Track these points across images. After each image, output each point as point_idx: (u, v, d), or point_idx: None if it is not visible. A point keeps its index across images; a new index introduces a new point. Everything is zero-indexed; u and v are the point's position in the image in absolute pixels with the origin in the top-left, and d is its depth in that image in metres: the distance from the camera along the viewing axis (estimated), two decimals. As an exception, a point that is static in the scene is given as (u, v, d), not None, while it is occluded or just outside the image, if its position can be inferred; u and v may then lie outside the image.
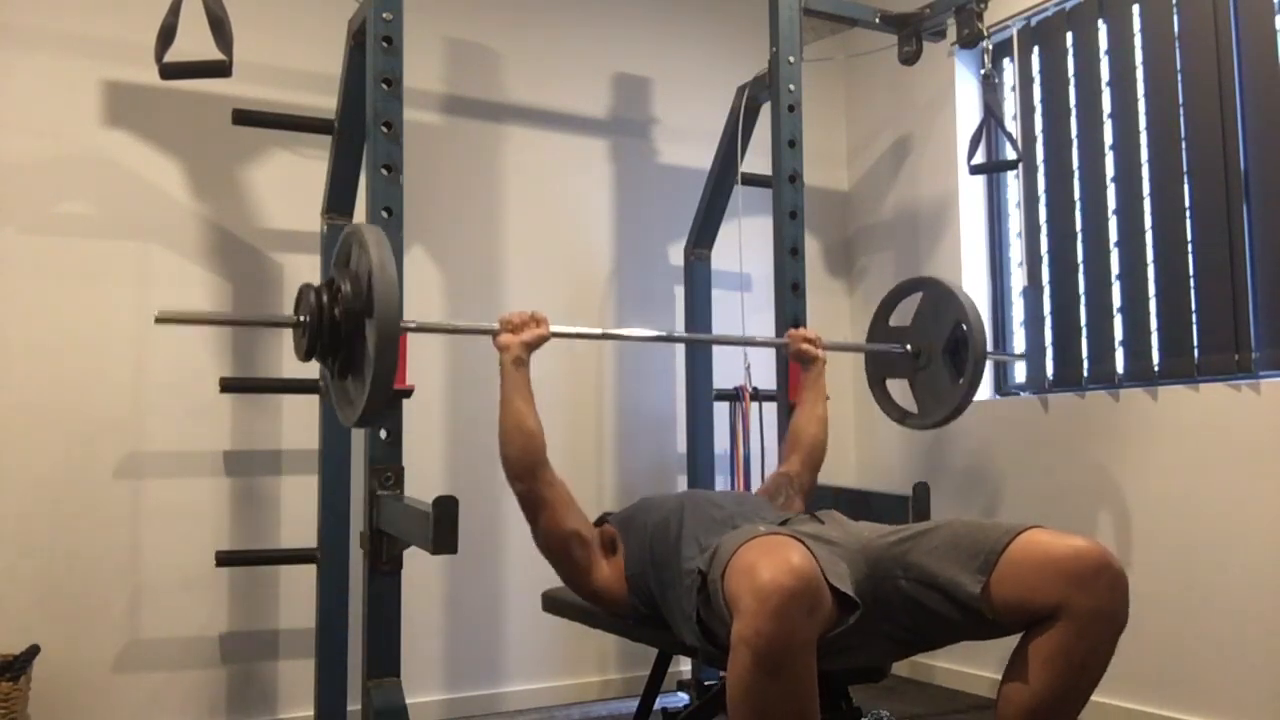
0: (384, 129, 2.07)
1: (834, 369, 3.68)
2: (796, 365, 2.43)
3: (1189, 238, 2.70)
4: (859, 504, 2.38)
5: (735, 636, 1.39)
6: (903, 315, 2.65)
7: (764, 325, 2.72)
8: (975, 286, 3.34)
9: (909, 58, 3.10)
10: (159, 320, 1.76)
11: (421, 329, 2.01)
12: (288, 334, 2.83)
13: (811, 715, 1.41)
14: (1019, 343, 3.27)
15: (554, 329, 2.04)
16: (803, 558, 1.42)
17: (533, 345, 1.99)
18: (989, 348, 3.19)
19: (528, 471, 1.90)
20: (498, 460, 1.94)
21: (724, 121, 3.05)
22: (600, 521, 2.15)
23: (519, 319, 2.00)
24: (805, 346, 2.39)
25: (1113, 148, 2.94)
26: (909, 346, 2.56)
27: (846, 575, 1.58)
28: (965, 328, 2.42)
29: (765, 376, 2.78)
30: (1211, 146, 2.65)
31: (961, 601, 1.56)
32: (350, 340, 1.73)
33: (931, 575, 1.60)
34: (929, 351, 2.52)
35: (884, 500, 2.41)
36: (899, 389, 2.69)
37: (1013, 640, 1.57)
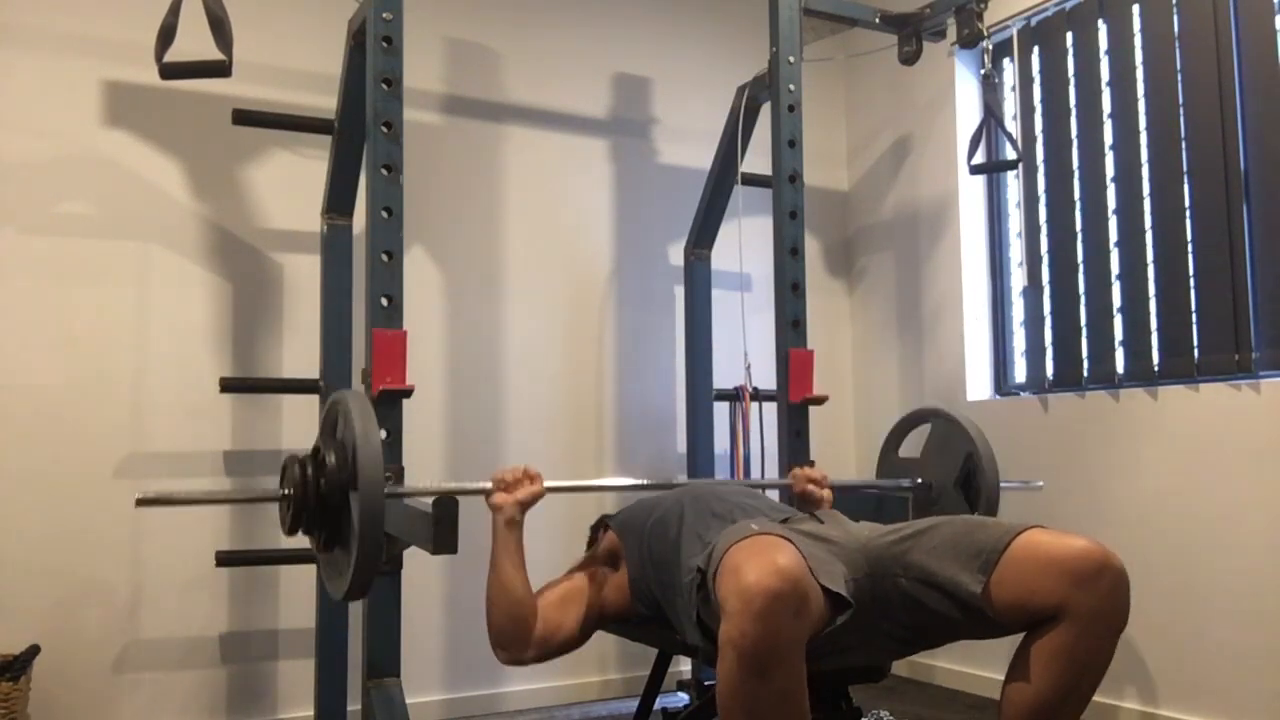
0: (384, 129, 2.07)
1: (832, 362, 3.70)
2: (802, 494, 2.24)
3: (1189, 238, 2.70)
4: (859, 502, 2.37)
5: (722, 638, 1.39)
6: (911, 446, 2.54)
7: (764, 325, 2.71)
8: (975, 287, 3.34)
9: (909, 58, 3.10)
10: (139, 504, 1.66)
11: (409, 494, 1.90)
12: (288, 334, 2.86)
13: (800, 716, 1.41)
14: (1019, 342, 3.27)
15: (548, 484, 1.93)
16: (789, 559, 1.41)
17: (527, 504, 1.90)
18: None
19: (512, 643, 1.86)
20: (498, 460, 1.94)
21: (724, 121, 3.05)
22: (600, 525, 2.14)
23: (512, 476, 1.90)
24: (810, 488, 2.17)
25: (1113, 148, 2.94)
26: (919, 480, 2.43)
27: (840, 575, 1.58)
28: (976, 459, 2.32)
29: (765, 376, 2.78)
30: (1211, 146, 2.65)
31: (962, 600, 1.56)
32: (336, 512, 1.68)
33: (932, 574, 1.60)
34: (940, 486, 2.40)
35: (884, 500, 2.40)
36: None
37: (1014, 640, 1.57)
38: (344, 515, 1.67)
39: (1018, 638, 1.57)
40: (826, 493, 2.18)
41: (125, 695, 2.59)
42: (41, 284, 2.59)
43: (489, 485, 1.90)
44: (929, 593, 1.60)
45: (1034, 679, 1.50)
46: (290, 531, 1.73)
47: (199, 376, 2.71)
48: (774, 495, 2.52)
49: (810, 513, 1.89)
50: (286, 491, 1.71)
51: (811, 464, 2.31)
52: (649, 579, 1.88)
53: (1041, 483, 2.72)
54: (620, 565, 1.98)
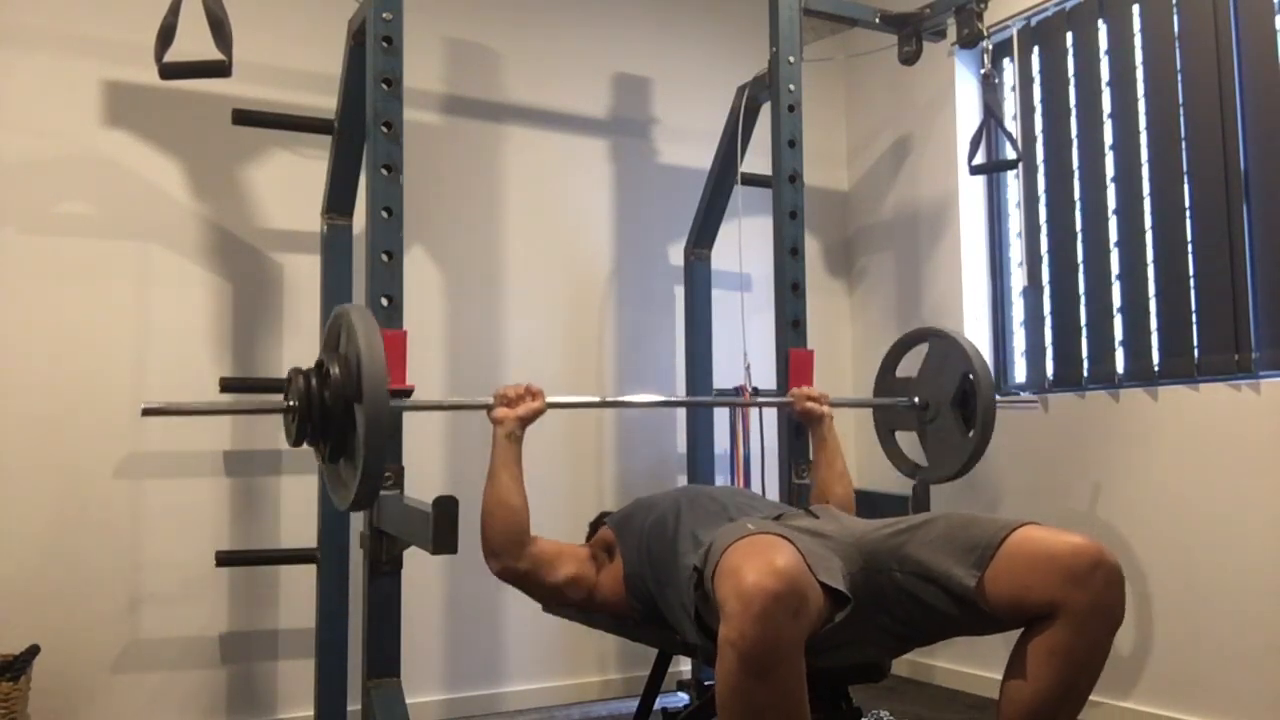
0: (384, 129, 2.07)
1: (833, 366, 3.70)
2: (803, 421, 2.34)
3: (1189, 238, 2.70)
4: (859, 504, 2.37)
5: (721, 639, 1.39)
6: (909, 366, 2.59)
7: (764, 325, 2.71)
8: (975, 287, 3.34)
9: (909, 58, 3.10)
10: (145, 414, 1.71)
11: (414, 407, 1.96)
12: (288, 334, 2.86)
13: (800, 716, 1.41)
14: (1019, 342, 3.27)
15: (550, 400, 2.00)
16: (788, 559, 1.42)
17: (528, 420, 1.96)
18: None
19: (505, 550, 1.89)
20: (498, 460, 1.94)
21: (724, 121, 3.05)
22: (598, 522, 2.15)
23: (514, 393, 1.97)
24: (810, 405, 2.29)
25: (1113, 148, 2.94)
26: (916, 399, 2.49)
27: (838, 570, 1.58)
28: (972, 378, 2.36)
29: (765, 376, 2.78)
30: (1211, 146, 2.65)
31: (957, 595, 1.56)
32: (340, 424, 1.70)
33: (927, 568, 1.60)
34: (937, 404, 2.45)
35: (884, 500, 2.40)
36: (908, 440, 2.66)
37: (1011, 638, 1.57)
38: (349, 427, 1.69)
39: (1015, 636, 1.57)
40: (826, 409, 2.29)
41: (125, 695, 2.59)
42: (41, 284, 2.59)
43: (490, 400, 1.97)
44: (924, 587, 1.60)
45: (1032, 677, 1.50)
46: (295, 443, 1.76)
47: (199, 376, 2.71)
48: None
49: (806, 508, 1.89)
50: (291, 403, 1.73)
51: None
52: (646, 578, 1.89)
53: (1036, 401, 2.75)
54: (615, 557, 1.98)
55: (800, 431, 2.47)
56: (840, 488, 2.25)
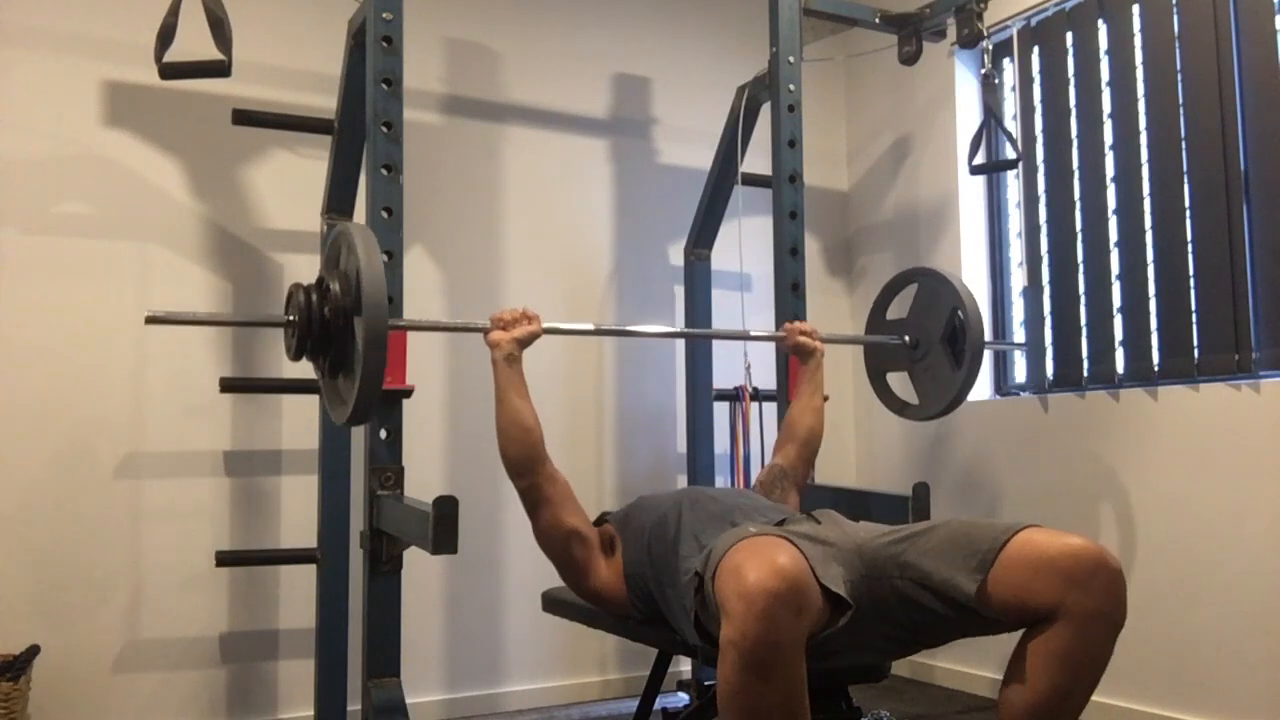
0: (384, 129, 2.07)
1: (833, 367, 3.68)
2: (796, 360, 2.43)
3: (1189, 238, 2.70)
4: (859, 504, 2.37)
5: (723, 639, 1.39)
6: (900, 308, 2.65)
7: (764, 325, 2.72)
8: (975, 286, 3.34)
9: (909, 58, 3.10)
10: (149, 321, 1.78)
11: (409, 327, 2.01)
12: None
13: (801, 716, 1.41)
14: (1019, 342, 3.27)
15: (546, 325, 2.04)
16: (790, 559, 1.41)
17: (524, 342, 1.99)
18: (988, 336, 3.20)
19: (527, 468, 1.91)
20: (498, 460, 1.94)
21: (724, 121, 3.05)
22: (599, 521, 2.15)
23: (510, 316, 2.00)
24: (803, 339, 2.39)
25: (1113, 148, 2.94)
26: (907, 338, 2.56)
27: (840, 576, 1.58)
28: (961, 315, 2.41)
29: (765, 376, 2.78)
30: (1211, 146, 2.65)
31: (958, 602, 1.56)
32: (340, 338, 1.75)
33: (928, 575, 1.60)
34: (927, 342, 2.52)
35: (884, 501, 2.40)
36: (900, 383, 2.69)
37: (1012, 639, 1.57)
38: (347, 341, 1.73)
39: (1016, 637, 1.57)
40: (819, 344, 2.39)
41: (125, 695, 2.59)
42: (41, 284, 2.59)
43: (486, 324, 1.99)
44: (925, 594, 1.60)
45: (1032, 680, 1.50)
46: (295, 356, 1.80)
47: (199, 376, 2.71)
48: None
49: (808, 514, 1.89)
50: (291, 318, 1.77)
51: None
52: (647, 577, 1.88)
53: (1023, 342, 2.79)
54: (616, 554, 1.98)
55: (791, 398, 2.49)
56: (811, 418, 2.34)
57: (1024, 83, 3.25)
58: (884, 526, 1.78)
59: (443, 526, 1.62)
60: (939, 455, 3.36)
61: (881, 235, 3.70)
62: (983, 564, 1.54)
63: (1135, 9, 2.87)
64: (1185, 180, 2.72)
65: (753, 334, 2.62)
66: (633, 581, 1.92)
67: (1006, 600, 1.52)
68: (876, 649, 1.69)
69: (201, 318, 2.13)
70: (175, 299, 2.73)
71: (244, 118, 2.61)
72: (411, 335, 2.05)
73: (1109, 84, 2.96)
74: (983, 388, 3.30)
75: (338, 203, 2.67)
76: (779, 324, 2.57)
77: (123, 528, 2.62)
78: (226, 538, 2.73)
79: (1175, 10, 2.75)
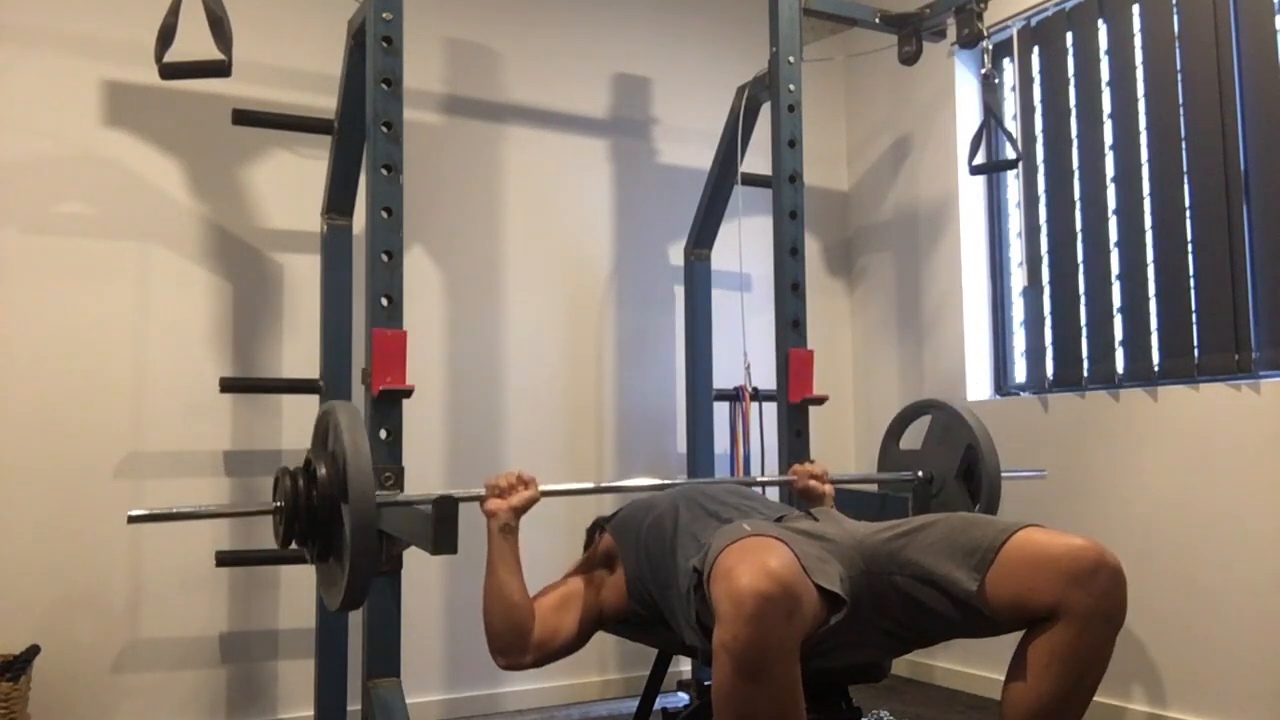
0: (384, 129, 2.07)
1: (833, 363, 3.70)
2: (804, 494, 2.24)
3: (1189, 238, 2.70)
4: (859, 504, 2.37)
5: (716, 642, 1.39)
6: (912, 438, 2.55)
7: (764, 325, 2.72)
8: (975, 287, 3.35)
9: (909, 58, 3.10)
10: (131, 521, 1.67)
11: (400, 503, 1.87)
12: (288, 334, 2.86)
13: (795, 718, 1.41)
14: (1019, 342, 3.27)
15: (544, 488, 1.93)
16: (781, 560, 1.41)
17: (521, 510, 1.90)
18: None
19: (510, 646, 1.85)
20: (497, 461, 1.94)
21: (724, 121, 3.05)
22: (597, 527, 2.14)
23: (506, 482, 1.89)
24: (811, 484, 2.18)
25: (1113, 148, 2.94)
26: (920, 473, 2.43)
27: (836, 573, 1.58)
28: (977, 450, 2.33)
29: (765, 376, 2.78)
30: (1211, 146, 2.65)
31: (958, 598, 1.56)
32: (328, 525, 1.68)
33: (927, 572, 1.60)
34: (941, 478, 2.41)
35: (884, 500, 2.40)
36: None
37: (1013, 639, 1.57)
38: (336, 526, 1.67)
39: (1016, 636, 1.57)
40: (828, 488, 2.19)
41: (125, 695, 2.59)
42: (41, 284, 2.59)
43: (483, 492, 1.89)
44: (925, 590, 1.60)
45: (1034, 679, 1.50)
46: (284, 544, 1.72)
47: (199, 376, 2.71)
48: (774, 493, 2.53)
49: (806, 510, 1.89)
50: (279, 504, 1.71)
51: (812, 461, 2.31)
52: (646, 580, 1.88)
53: (1045, 470, 2.73)
54: (617, 567, 1.98)
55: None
56: None
57: (1024, 83, 3.25)
58: (882, 522, 1.78)
59: (443, 526, 1.62)
60: (939, 455, 3.36)
61: (881, 235, 3.70)
62: (983, 562, 1.54)
63: (1135, 9, 2.87)
64: (1185, 180, 2.72)
65: (760, 479, 2.47)
66: (633, 586, 1.92)
67: (1006, 599, 1.52)
68: (876, 646, 1.69)
69: (187, 512, 1.95)
70: (175, 299, 2.73)
71: (244, 118, 2.61)
72: (411, 335, 2.05)
73: (1109, 84, 2.96)
74: (983, 388, 3.30)
75: (338, 203, 2.67)
76: (779, 325, 2.55)
77: (123, 528, 2.62)
78: (226, 538, 2.73)
79: (1175, 10, 2.75)
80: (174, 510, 1.81)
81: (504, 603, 1.84)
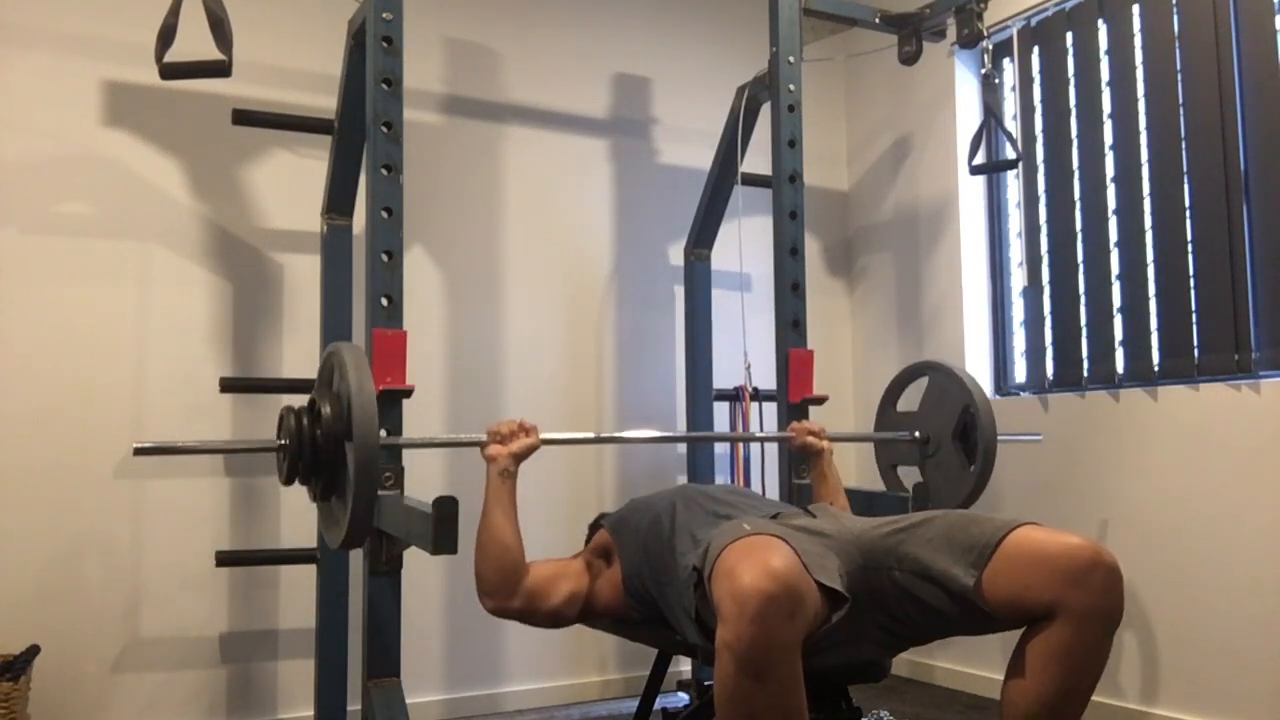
0: (384, 129, 2.07)
1: (833, 363, 3.69)
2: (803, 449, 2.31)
3: (1189, 238, 2.70)
4: (859, 504, 2.37)
5: (718, 641, 1.39)
6: (909, 400, 2.59)
7: (764, 325, 2.72)
8: (975, 287, 3.35)
9: (909, 58, 3.10)
10: (137, 453, 1.71)
11: (406, 444, 1.95)
12: (288, 334, 2.86)
13: (798, 717, 1.41)
14: (1019, 342, 3.27)
15: (545, 436, 1.97)
16: (783, 560, 1.41)
17: (521, 456, 1.94)
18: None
19: (498, 589, 1.87)
20: (497, 460, 1.94)
21: (724, 121, 3.05)
22: (595, 525, 2.15)
23: (507, 429, 1.94)
24: (809, 440, 2.27)
25: (1113, 148, 2.94)
26: (917, 434, 2.49)
27: (836, 570, 1.58)
28: (973, 411, 2.35)
29: (765, 376, 2.78)
30: (1211, 146, 2.65)
31: (955, 594, 1.57)
32: (331, 462, 1.70)
33: (925, 567, 1.60)
34: (938, 438, 2.45)
35: (884, 500, 2.41)
36: (910, 476, 2.64)
37: (1011, 638, 1.57)
38: (340, 465, 1.69)
39: (1015, 635, 1.57)
40: (826, 443, 2.27)
41: (125, 695, 2.59)
42: (41, 284, 2.59)
43: (483, 437, 1.95)
44: (922, 585, 1.60)
45: (1033, 678, 1.50)
46: (287, 481, 1.76)
47: (199, 376, 2.71)
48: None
49: (804, 507, 1.89)
50: (283, 442, 1.74)
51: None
52: (644, 578, 1.89)
53: (1039, 435, 2.76)
54: (613, 562, 1.98)
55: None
56: None
57: (1024, 83, 3.25)
58: (881, 518, 1.78)
59: (443, 526, 1.62)
60: (939, 455, 3.36)
61: (881, 235, 3.70)
62: (980, 558, 1.55)
63: (1135, 9, 2.87)
64: (1185, 180, 2.72)
65: (758, 435, 2.53)
66: (630, 584, 1.92)
67: (1003, 596, 1.53)
68: (874, 641, 1.69)
69: (191, 447, 2.01)
70: (175, 299, 2.73)
71: (244, 118, 2.61)
72: (411, 335, 2.05)
73: (1109, 84, 2.96)
74: (983, 388, 3.29)
75: (338, 203, 2.67)
76: (779, 325, 2.56)
77: (123, 528, 2.62)
78: (226, 538, 2.73)
79: (1175, 10, 2.75)
80: (178, 444, 1.86)
81: (498, 545, 1.86)
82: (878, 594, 1.64)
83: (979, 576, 1.54)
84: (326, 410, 1.69)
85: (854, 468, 3.53)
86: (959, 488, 2.41)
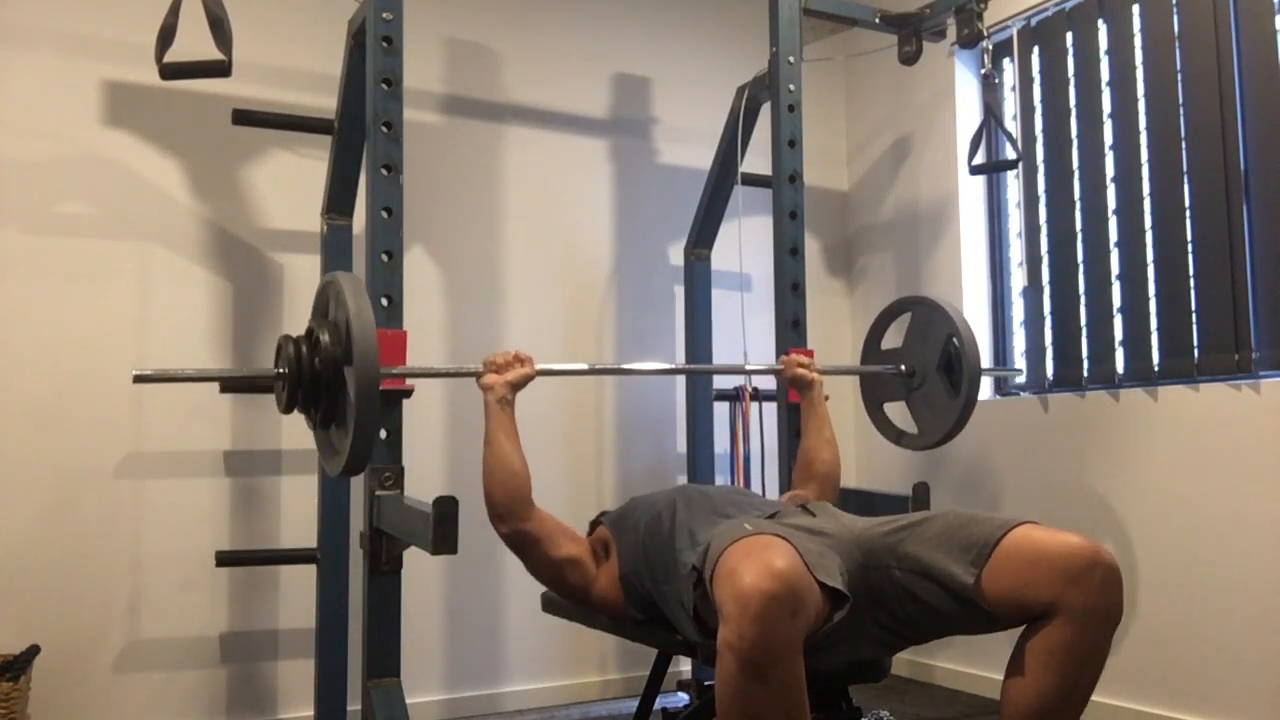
0: (384, 129, 2.07)
1: (834, 361, 3.69)
2: (795, 391, 2.41)
3: (1189, 238, 2.70)
4: (859, 504, 2.37)
5: (720, 642, 1.39)
6: (895, 338, 2.63)
7: (764, 325, 2.72)
8: (975, 287, 3.34)
9: (909, 58, 3.10)
10: (136, 380, 1.75)
11: (403, 374, 1.98)
12: (288, 333, 2.85)
13: (800, 716, 1.41)
14: (1019, 342, 3.27)
15: (540, 367, 2.03)
16: (785, 559, 1.42)
17: (517, 385, 1.99)
18: (985, 361, 3.20)
19: (511, 513, 1.90)
20: (497, 460, 1.94)
21: (724, 121, 3.05)
22: (595, 522, 2.15)
23: (503, 359, 2.00)
24: (800, 371, 2.36)
25: (1113, 148, 2.94)
26: (903, 367, 2.54)
27: (836, 569, 1.58)
28: (957, 343, 2.40)
29: (765, 377, 2.78)
30: (1211, 146, 2.65)
31: (955, 592, 1.57)
32: (331, 390, 1.72)
33: (925, 565, 1.60)
34: (923, 371, 2.49)
35: (884, 501, 2.41)
36: (897, 412, 2.67)
37: (1011, 637, 1.57)
38: (339, 392, 1.71)
39: (1015, 634, 1.57)
40: (817, 375, 2.36)
41: (125, 695, 2.59)
42: (41, 284, 2.59)
43: (480, 368, 2.00)
44: (922, 583, 1.61)
45: (1033, 678, 1.50)
46: (286, 409, 1.78)
47: (199, 376, 2.71)
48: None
49: (803, 506, 1.89)
50: (282, 370, 1.75)
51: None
52: (643, 577, 1.89)
53: (1021, 369, 2.78)
54: (611, 555, 1.98)
55: (800, 432, 2.47)
56: (828, 452, 2.30)
57: (1024, 83, 3.25)
58: (881, 517, 1.78)
59: (443, 526, 1.62)
60: (939, 455, 3.36)
61: (881, 235, 3.70)
62: (979, 557, 1.55)
63: (1135, 9, 2.87)
64: (1185, 180, 2.72)
65: (749, 368, 2.58)
66: (628, 582, 1.92)
67: (1003, 594, 1.53)
68: (874, 640, 1.69)
69: (189, 375, 2.04)
70: (175, 299, 2.73)
71: (244, 118, 2.61)
72: (411, 336, 2.05)
73: (1109, 84, 2.96)
74: (983, 388, 3.30)
75: (338, 203, 2.67)
76: (779, 325, 2.57)
77: (123, 528, 2.62)
78: (226, 538, 2.73)
79: (1175, 10, 2.75)
80: (178, 372, 1.93)
81: (506, 470, 1.90)
82: (878, 593, 1.64)
83: (978, 575, 1.54)
84: (325, 338, 1.71)
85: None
86: (945, 418, 2.46)
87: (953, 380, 2.45)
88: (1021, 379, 3.23)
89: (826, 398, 2.40)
